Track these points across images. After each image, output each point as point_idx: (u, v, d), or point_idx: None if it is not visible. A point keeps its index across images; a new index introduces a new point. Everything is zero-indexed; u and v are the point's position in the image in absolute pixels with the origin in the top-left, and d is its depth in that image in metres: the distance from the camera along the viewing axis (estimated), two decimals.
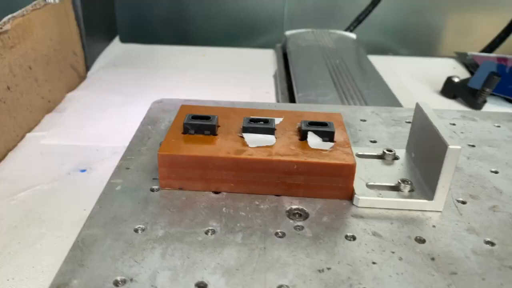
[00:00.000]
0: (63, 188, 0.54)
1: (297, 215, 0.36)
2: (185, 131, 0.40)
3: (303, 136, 0.40)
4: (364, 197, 0.37)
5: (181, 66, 0.95)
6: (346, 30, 1.07)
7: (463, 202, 0.38)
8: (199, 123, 0.40)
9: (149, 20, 1.19)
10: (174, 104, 0.54)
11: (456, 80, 0.82)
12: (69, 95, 0.79)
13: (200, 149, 0.38)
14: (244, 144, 0.39)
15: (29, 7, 0.68)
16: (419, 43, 1.18)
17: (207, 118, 0.40)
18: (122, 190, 0.38)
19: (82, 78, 0.88)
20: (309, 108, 0.54)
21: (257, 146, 0.38)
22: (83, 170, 0.57)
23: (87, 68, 0.91)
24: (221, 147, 0.38)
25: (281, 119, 0.43)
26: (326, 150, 0.38)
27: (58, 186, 0.54)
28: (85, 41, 0.88)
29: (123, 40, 1.12)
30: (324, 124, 0.40)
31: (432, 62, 1.01)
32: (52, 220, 0.49)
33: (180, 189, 0.38)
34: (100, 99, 0.78)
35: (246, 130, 0.40)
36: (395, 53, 1.14)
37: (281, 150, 0.38)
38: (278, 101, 0.81)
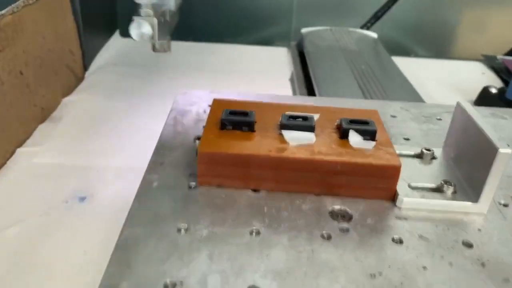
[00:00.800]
0: (59, 222, 0.45)
1: (340, 216, 0.35)
2: (223, 126, 0.39)
3: (343, 134, 0.39)
4: (407, 198, 0.36)
5: (187, 66, 0.87)
6: (363, 27, 1.04)
7: (505, 205, 0.38)
8: (238, 119, 0.39)
9: None
10: (199, 96, 0.53)
11: (493, 91, 0.77)
12: (66, 100, 0.71)
13: (240, 146, 0.37)
14: (284, 141, 0.38)
15: (20, 2, 0.61)
16: (435, 40, 1.15)
17: (245, 114, 0.39)
18: (159, 186, 0.37)
19: (79, 79, 0.79)
20: (341, 103, 0.53)
21: (297, 144, 0.37)
22: (83, 198, 0.48)
23: (85, 67, 0.83)
24: (261, 144, 0.37)
25: (317, 115, 0.42)
26: (368, 150, 0.37)
27: (53, 220, 0.45)
28: (83, 38, 0.80)
29: (124, 34, 1.04)
30: (365, 122, 0.39)
31: (458, 66, 0.97)
32: (46, 267, 0.40)
33: (219, 186, 0.37)
34: (100, 105, 0.69)
35: (285, 127, 0.39)
36: (410, 51, 1.10)
37: (323, 149, 0.37)
38: None
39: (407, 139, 0.47)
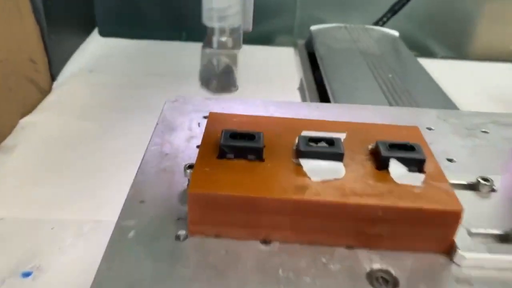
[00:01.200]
0: None
1: (381, 280, 0.26)
2: (222, 154, 0.29)
3: (381, 163, 0.29)
4: (470, 253, 0.27)
5: (178, 71, 0.72)
6: (377, 22, 0.93)
7: None
8: (241, 145, 0.29)
9: (137, 8, 0.90)
10: (193, 104, 0.43)
11: None
12: (24, 121, 0.55)
13: (245, 184, 0.27)
14: (303, 174, 0.28)
15: None
16: (454, 37, 1.03)
17: (251, 137, 0.30)
18: (137, 237, 0.28)
19: (44, 93, 0.64)
20: (363, 111, 0.43)
21: (322, 180, 0.28)
22: (27, 274, 0.33)
23: (53, 77, 0.67)
24: (274, 181, 0.28)
25: (343, 135, 0.32)
26: (417, 187, 0.28)
27: None
28: (49, 42, 0.65)
29: (104, 33, 0.88)
30: (409, 148, 0.30)
31: (492, 69, 0.85)
32: None
33: (217, 236, 0.28)
34: (67, 128, 0.51)
35: (304, 154, 0.29)
36: (430, 50, 0.99)
37: (358, 187, 0.27)
38: None
39: (451, 161, 0.38)
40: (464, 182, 0.33)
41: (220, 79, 0.22)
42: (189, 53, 0.85)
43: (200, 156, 0.29)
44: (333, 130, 0.33)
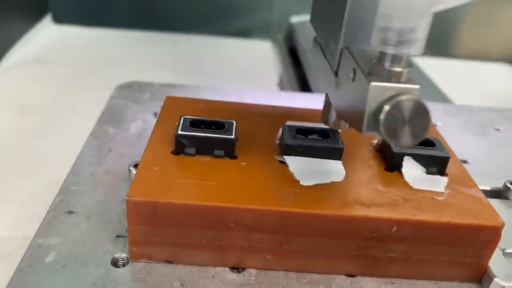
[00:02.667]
0: None
1: None
2: (179, 149, 0.22)
3: (391, 162, 0.22)
4: (510, 283, 0.20)
5: (141, 63, 0.65)
6: None
7: None
8: (206, 136, 0.21)
9: None
10: (150, 91, 0.36)
11: None
12: None
13: (209, 189, 0.20)
14: (289, 177, 0.21)
15: None
16: (440, 36, 0.97)
17: (219, 126, 0.22)
18: (57, 261, 0.20)
19: None
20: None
21: (314, 184, 0.20)
22: None
23: None
24: (250, 185, 0.20)
25: None
26: (439, 194, 0.21)
27: None
28: None
29: (58, 20, 0.77)
30: (427, 143, 0.23)
31: (483, 70, 0.80)
32: None
33: (168, 262, 0.20)
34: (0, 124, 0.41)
35: (290, 150, 0.22)
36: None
37: (363, 194, 0.20)
38: None
39: (465, 162, 0.31)
40: (488, 188, 0.26)
41: (412, 125, 0.14)
42: (155, 45, 0.76)
43: (149, 150, 0.22)
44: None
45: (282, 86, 0.65)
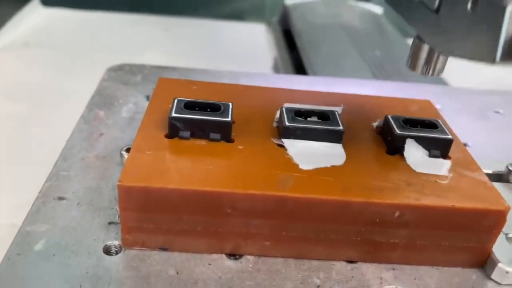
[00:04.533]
0: None
1: None
2: (173, 132, 0.21)
3: (393, 144, 0.21)
4: None
5: (131, 47, 0.64)
6: None
7: None
8: (201, 118, 0.21)
9: None
10: (143, 73, 0.34)
11: None
12: None
13: (205, 174, 0.19)
14: (288, 161, 0.20)
15: None
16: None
17: (214, 108, 0.21)
18: (47, 250, 0.19)
19: None
20: (358, 86, 0.36)
21: (314, 168, 0.20)
22: None
23: None
24: (247, 169, 0.19)
25: (340, 108, 0.24)
26: (443, 177, 0.20)
27: None
28: None
29: (46, 2, 0.73)
30: (429, 125, 0.22)
31: None
32: None
33: (163, 249, 0.19)
34: None
35: (289, 133, 0.21)
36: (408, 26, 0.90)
37: (363, 178, 0.19)
38: None
39: (466, 145, 0.30)
40: (489, 171, 0.26)
41: None
42: (147, 28, 0.74)
43: (141, 134, 0.21)
44: (326, 102, 0.25)
45: (277, 69, 0.64)
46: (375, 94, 0.29)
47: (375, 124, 0.23)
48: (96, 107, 0.29)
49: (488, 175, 0.25)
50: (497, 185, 0.25)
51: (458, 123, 0.33)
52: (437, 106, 0.34)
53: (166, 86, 0.25)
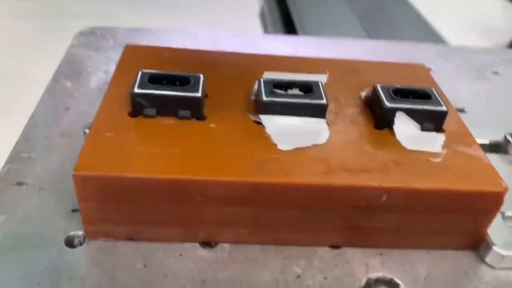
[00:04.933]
0: None
1: None
2: (136, 110, 0.19)
3: (382, 118, 0.20)
4: (510, 251, 0.18)
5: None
6: None
7: None
8: (168, 94, 0.18)
9: None
10: (115, 37, 0.32)
11: None
12: None
13: (172, 158, 0.17)
14: (265, 140, 0.18)
15: None
16: None
17: (183, 81, 0.19)
18: (2, 245, 0.17)
19: None
20: (345, 46, 0.33)
21: (294, 148, 0.18)
22: None
23: None
24: (220, 151, 0.17)
25: (324, 76, 0.22)
26: (436, 154, 0.19)
27: None
28: None
29: None
30: (421, 95, 0.20)
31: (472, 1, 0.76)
32: None
33: (130, 239, 0.18)
34: None
35: (267, 108, 0.19)
36: None
37: (348, 158, 0.18)
38: None
39: (462, 111, 0.28)
40: (486, 141, 0.24)
41: None
42: None
43: (102, 112, 0.19)
44: (309, 70, 0.22)
45: (263, 15, 0.61)
46: (366, 55, 0.26)
47: (363, 94, 0.21)
48: (63, 77, 0.27)
49: (485, 145, 0.24)
50: (494, 157, 0.23)
51: (454, 86, 0.31)
52: (432, 67, 0.32)
53: (133, 55, 0.23)
